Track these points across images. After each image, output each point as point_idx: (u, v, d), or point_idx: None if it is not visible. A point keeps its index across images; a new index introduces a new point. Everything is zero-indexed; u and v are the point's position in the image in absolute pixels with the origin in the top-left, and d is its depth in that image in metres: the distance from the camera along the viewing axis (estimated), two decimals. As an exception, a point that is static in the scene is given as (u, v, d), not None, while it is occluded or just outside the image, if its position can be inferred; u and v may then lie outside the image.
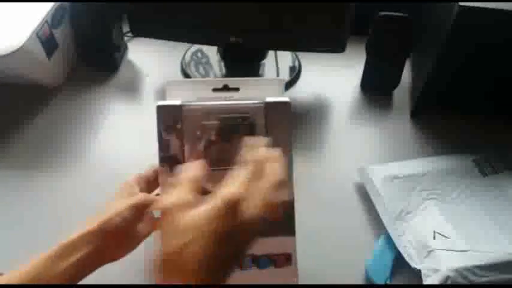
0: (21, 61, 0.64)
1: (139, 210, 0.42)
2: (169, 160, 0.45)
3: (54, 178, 0.62)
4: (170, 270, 0.31)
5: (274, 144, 0.44)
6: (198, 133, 0.45)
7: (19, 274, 0.37)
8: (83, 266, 0.39)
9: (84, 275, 0.39)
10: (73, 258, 0.38)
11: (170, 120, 0.45)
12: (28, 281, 0.36)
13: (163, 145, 0.45)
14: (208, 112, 0.45)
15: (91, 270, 0.40)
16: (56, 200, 0.60)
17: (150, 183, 0.47)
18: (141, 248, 0.45)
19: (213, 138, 0.45)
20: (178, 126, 0.45)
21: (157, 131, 0.45)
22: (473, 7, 0.53)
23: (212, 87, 0.47)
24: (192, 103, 0.46)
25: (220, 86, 0.47)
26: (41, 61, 0.68)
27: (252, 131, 0.45)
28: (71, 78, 0.77)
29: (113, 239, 0.40)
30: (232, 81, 0.48)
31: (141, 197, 0.43)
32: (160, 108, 0.45)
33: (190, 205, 0.33)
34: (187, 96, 0.46)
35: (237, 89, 0.47)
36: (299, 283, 0.47)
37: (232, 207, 0.32)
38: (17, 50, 0.62)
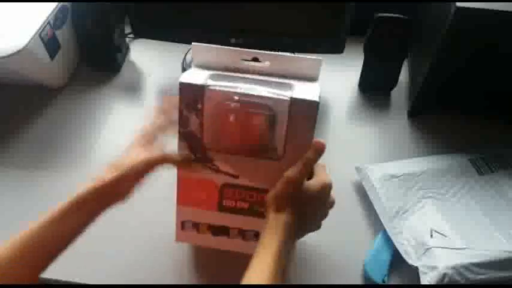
0: (23, 62, 0.65)
1: (152, 166, 0.45)
2: (188, 136, 0.45)
3: (57, 178, 0.63)
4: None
5: (293, 142, 0.43)
6: (218, 115, 0.44)
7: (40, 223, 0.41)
8: (92, 215, 0.43)
9: (91, 222, 0.43)
10: (84, 211, 0.43)
11: (191, 99, 0.44)
12: (46, 230, 0.41)
13: (182, 121, 0.45)
14: (231, 98, 0.43)
15: (97, 217, 0.44)
16: (59, 200, 0.60)
17: (167, 112, 0.49)
18: (141, 248, 0.46)
19: (232, 120, 0.44)
20: (199, 106, 0.44)
21: (178, 107, 0.45)
22: (470, 8, 0.53)
23: (241, 58, 0.46)
24: (216, 85, 0.44)
25: (249, 58, 0.46)
26: (43, 62, 0.69)
27: (271, 124, 0.43)
28: (74, 78, 0.78)
29: (123, 188, 0.44)
30: (263, 55, 0.46)
31: (157, 154, 0.45)
32: (182, 85, 0.44)
33: None
34: (214, 64, 0.46)
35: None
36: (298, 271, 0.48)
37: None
38: (20, 51, 0.62)
